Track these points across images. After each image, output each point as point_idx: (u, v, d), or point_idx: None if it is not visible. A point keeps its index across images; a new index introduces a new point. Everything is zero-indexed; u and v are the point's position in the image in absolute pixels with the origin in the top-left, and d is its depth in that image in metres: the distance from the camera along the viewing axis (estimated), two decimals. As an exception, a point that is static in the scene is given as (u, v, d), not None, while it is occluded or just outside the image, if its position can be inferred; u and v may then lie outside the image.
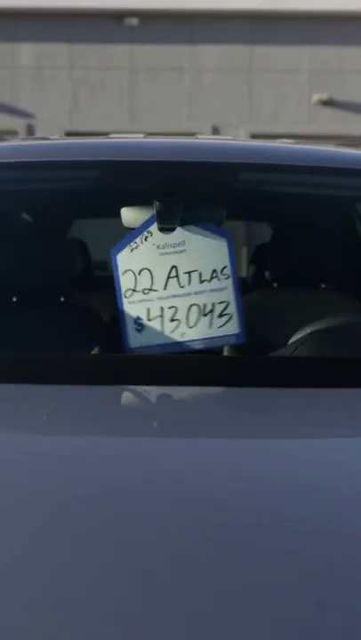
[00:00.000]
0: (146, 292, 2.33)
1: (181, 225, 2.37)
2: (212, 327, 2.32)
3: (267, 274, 3.08)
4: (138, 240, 2.35)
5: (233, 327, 2.32)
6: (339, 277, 3.08)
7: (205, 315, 2.32)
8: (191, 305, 2.29)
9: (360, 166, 2.87)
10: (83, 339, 2.46)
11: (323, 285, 3.06)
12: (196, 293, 2.33)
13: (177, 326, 2.33)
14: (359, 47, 15.78)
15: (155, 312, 2.32)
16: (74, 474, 1.60)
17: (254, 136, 15.55)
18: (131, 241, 2.36)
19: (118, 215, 2.52)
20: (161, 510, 1.48)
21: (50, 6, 15.38)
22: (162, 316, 2.33)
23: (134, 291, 2.33)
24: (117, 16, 15.60)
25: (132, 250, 2.35)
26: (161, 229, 2.36)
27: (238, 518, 1.44)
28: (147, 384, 1.99)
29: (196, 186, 2.80)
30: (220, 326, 2.31)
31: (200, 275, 2.35)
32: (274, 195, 3.17)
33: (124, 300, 2.31)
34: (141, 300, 2.32)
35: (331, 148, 2.92)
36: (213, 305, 2.32)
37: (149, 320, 2.32)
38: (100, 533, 1.41)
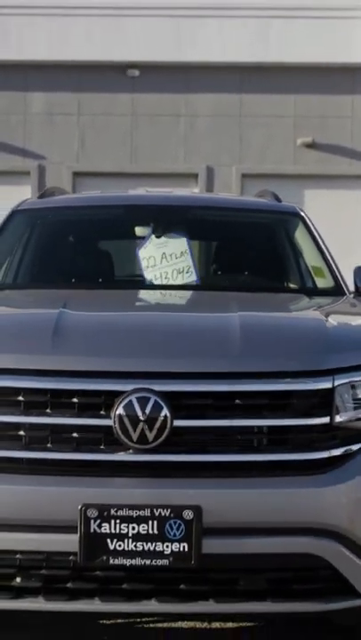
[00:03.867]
0: (152, 266, 4.31)
1: (164, 234, 4.48)
2: (183, 279, 4.34)
3: (213, 266, 5.13)
4: (146, 244, 4.38)
5: (193, 278, 4.45)
6: (249, 268, 5.00)
7: (180, 273, 4.25)
8: (173, 269, 3.93)
9: (263, 208, 5.27)
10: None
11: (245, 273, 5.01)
12: (175, 264, 4.38)
13: (167, 280, 4.41)
14: (340, 95, 15.89)
15: (157, 274, 4.35)
16: None
17: (245, 175, 15.77)
18: (142, 245, 4.35)
19: (129, 237, 3.99)
20: None
21: (59, 59, 15.56)
22: (161, 276, 4.38)
23: (147, 267, 4.35)
24: (120, 67, 15.71)
25: (144, 248, 4.31)
26: (156, 236, 4.41)
27: None
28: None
29: (172, 217, 4.81)
30: (188, 277, 4.37)
31: (175, 255, 4.30)
32: (214, 222, 5.12)
33: (145, 271, 4.41)
34: (152, 270, 4.35)
35: (249, 198, 4.86)
36: (183, 268, 4.17)
37: (155, 278, 4.38)
38: None
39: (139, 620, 3.83)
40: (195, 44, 15.67)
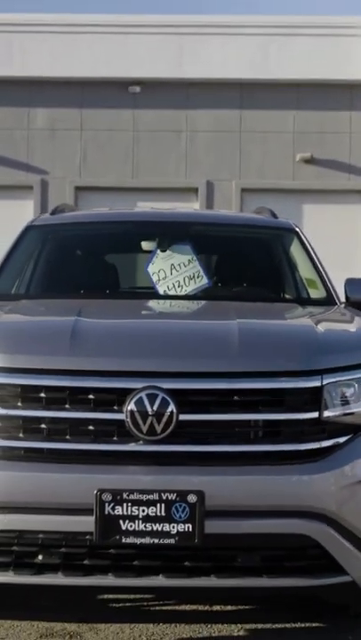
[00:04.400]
0: (163, 278, 4.77)
1: (168, 247, 4.93)
2: (196, 284, 4.84)
3: (214, 278, 5.31)
4: (153, 259, 4.83)
5: (205, 282, 4.91)
6: (247, 280, 5.46)
7: (191, 279, 4.68)
8: (184, 277, 4.20)
9: (260, 224, 5.71)
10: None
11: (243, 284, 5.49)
12: (185, 272, 4.83)
13: (181, 288, 4.81)
14: (338, 111, 16.17)
15: (170, 285, 4.78)
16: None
17: (244, 190, 16.07)
18: (150, 261, 4.75)
19: (136, 251, 4.40)
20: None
21: (62, 75, 15.89)
22: (174, 286, 4.79)
23: (159, 280, 4.78)
24: (122, 84, 16.01)
25: (152, 263, 4.76)
26: (161, 251, 4.83)
27: None
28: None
29: (176, 232, 5.21)
30: (200, 281, 4.82)
31: (183, 263, 4.80)
32: (214, 237, 5.56)
33: (157, 284, 4.85)
34: (164, 282, 4.79)
35: (247, 214, 5.22)
36: (193, 274, 4.63)
37: (169, 289, 4.82)
38: None
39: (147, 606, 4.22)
40: (195, 60, 15.98)
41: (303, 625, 4.04)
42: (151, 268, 4.86)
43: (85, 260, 5.50)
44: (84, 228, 5.56)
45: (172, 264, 4.82)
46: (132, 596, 4.31)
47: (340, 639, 3.88)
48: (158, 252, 4.93)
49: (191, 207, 15.69)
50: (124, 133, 16.24)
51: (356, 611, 4.01)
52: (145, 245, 5.11)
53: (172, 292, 4.81)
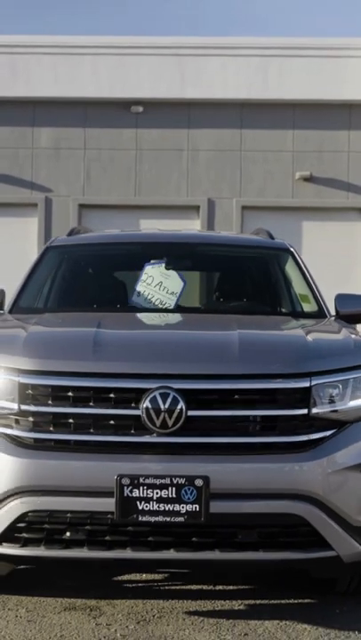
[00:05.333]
0: (147, 284, 5.53)
1: (173, 268, 5.61)
2: (158, 307, 5.48)
3: (216, 293, 6.05)
4: (155, 264, 5.68)
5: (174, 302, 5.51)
6: (247, 296, 6.05)
7: (161, 304, 5.51)
8: (157, 298, 5.51)
9: (258, 244, 6.35)
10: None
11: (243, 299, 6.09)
12: (162, 296, 5.51)
13: (148, 302, 5.46)
14: (336, 131, 16.64)
15: (145, 291, 5.48)
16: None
17: (245, 208, 16.55)
18: (152, 264, 5.70)
19: (141, 269, 5.14)
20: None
21: (66, 95, 16.38)
22: (146, 295, 5.46)
23: (143, 281, 5.53)
24: (125, 104, 16.49)
25: (152, 267, 5.67)
26: (166, 267, 5.63)
27: None
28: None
29: (182, 252, 5.93)
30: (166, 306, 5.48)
31: (168, 289, 5.55)
32: (216, 256, 6.02)
33: (139, 283, 5.52)
34: (144, 286, 5.51)
35: (246, 235, 5.94)
36: (164, 302, 5.52)
37: (141, 293, 5.47)
38: None
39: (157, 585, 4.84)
40: (196, 81, 16.50)
41: (296, 601, 4.65)
42: (147, 270, 5.55)
43: (99, 277, 6.16)
44: (98, 248, 6.24)
45: (162, 282, 5.50)
46: (143, 577, 4.94)
47: (328, 613, 4.48)
48: (163, 265, 5.57)
49: (193, 224, 16.33)
50: (127, 152, 16.72)
51: (343, 588, 4.64)
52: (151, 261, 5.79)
53: (141, 297, 5.55)
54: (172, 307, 5.44)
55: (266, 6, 47.92)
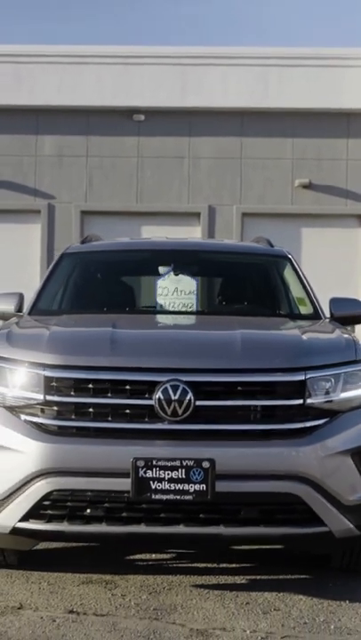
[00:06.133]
0: (165, 295, 6.16)
1: (182, 273, 6.15)
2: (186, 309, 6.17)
3: (219, 297, 6.63)
4: (165, 277, 6.21)
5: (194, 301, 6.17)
6: (248, 300, 6.59)
7: (184, 307, 6.17)
8: (180, 302, 6.17)
9: (258, 251, 6.98)
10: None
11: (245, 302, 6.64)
12: (182, 299, 6.16)
13: (173, 308, 6.02)
14: (335, 139, 17.08)
15: (167, 302, 6.07)
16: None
17: (245, 214, 17.02)
18: (162, 277, 6.19)
19: (154, 274, 5.61)
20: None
21: (69, 104, 16.83)
22: (168, 304, 6.05)
23: (161, 295, 6.12)
24: (127, 112, 16.94)
25: (162, 280, 6.20)
26: (174, 274, 6.17)
27: None
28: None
29: (188, 258, 6.48)
30: (189, 309, 6.10)
31: (185, 292, 6.15)
32: (219, 263, 6.65)
33: (158, 297, 6.08)
34: (163, 298, 6.09)
35: (247, 243, 6.55)
36: (187, 304, 6.17)
37: (165, 304, 6.07)
38: None
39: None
40: (197, 90, 16.96)
41: (293, 576, 5.20)
42: (160, 283, 6.11)
43: (111, 281, 6.73)
44: (109, 255, 6.82)
45: (177, 288, 6.11)
46: (153, 556, 5.49)
47: (322, 586, 5.03)
48: (172, 273, 6.15)
49: (193, 231, 16.83)
50: (129, 160, 17.16)
51: (337, 564, 5.19)
52: (162, 270, 6.33)
53: (165, 308, 6.17)
54: (194, 305, 6.05)
55: (266, 17, 48.75)
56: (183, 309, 6.05)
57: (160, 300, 6.10)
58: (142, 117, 17.07)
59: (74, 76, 17.00)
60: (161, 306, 6.08)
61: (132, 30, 45.68)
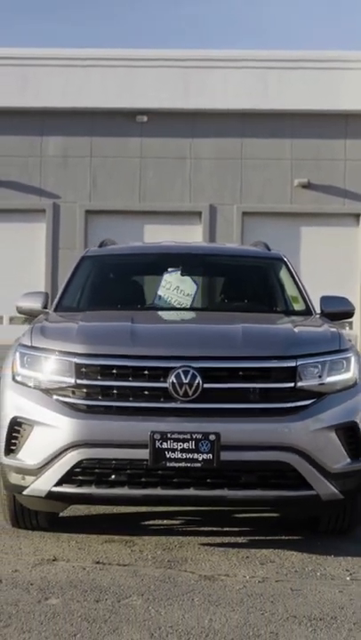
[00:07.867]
0: (167, 288, 7.18)
1: (188, 274, 7.22)
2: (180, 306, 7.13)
3: (221, 295, 7.49)
4: (173, 272, 7.23)
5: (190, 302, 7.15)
6: (248, 298, 7.53)
7: (179, 305, 7.13)
8: (176, 300, 7.14)
9: (256, 255, 8.12)
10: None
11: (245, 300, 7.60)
12: (180, 297, 7.19)
13: (168, 304, 7.04)
14: (333, 139, 17.83)
15: (165, 295, 7.08)
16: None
17: (245, 213, 17.89)
18: (170, 271, 7.31)
19: (160, 275, 6.69)
20: None
21: (73, 106, 17.67)
22: (166, 298, 7.09)
23: (163, 287, 7.12)
24: (130, 114, 17.75)
25: (169, 274, 7.26)
26: (182, 274, 7.23)
27: None
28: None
29: (194, 261, 7.58)
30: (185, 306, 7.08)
31: (185, 292, 7.09)
32: (222, 265, 7.66)
33: (160, 288, 7.12)
34: (164, 291, 7.09)
35: (246, 246, 8.02)
36: (182, 303, 7.14)
37: (163, 296, 7.08)
38: None
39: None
40: (199, 92, 17.80)
41: (287, 537, 6.21)
42: (166, 277, 7.10)
43: (126, 281, 7.75)
44: (125, 257, 7.86)
45: (178, 286, 7.07)
46: (165, 521, 6.50)
47: (312, 544, 6.03)
48: (179, 271, 7.14)
49: (195, 230, 17.76)
50: (132, 160, 17.97)
51: (324, 527, 6.21)
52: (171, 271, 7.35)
53: (162, 299, 7.03)
54: (188, 306, 7.00)
55: (266, 17, 49.72)
56: (178, 307, 6.98)
57: (161, 292, 7.07)
58: (145, 119, 17.86)
59: (78, 79, 17.83)
60: (160, 297, 7.03)
61: (132, 30, 46.73)
